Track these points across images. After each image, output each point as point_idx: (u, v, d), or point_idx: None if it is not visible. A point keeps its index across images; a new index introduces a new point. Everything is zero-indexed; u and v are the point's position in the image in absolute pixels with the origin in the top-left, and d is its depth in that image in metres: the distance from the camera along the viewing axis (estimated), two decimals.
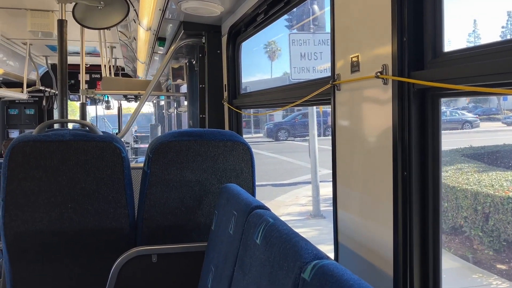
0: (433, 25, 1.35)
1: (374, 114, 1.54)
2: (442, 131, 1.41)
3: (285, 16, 2.82)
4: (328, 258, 1.18)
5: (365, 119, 1.60)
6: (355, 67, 1.61)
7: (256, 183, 2.54)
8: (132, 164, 2.61)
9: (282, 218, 1.55)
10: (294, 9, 2.37)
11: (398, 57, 1.37)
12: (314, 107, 9.48)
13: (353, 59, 1.62)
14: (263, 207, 1.75)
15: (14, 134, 9.04)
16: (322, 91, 1.92)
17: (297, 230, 1.39)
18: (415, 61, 1.37)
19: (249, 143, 2.50)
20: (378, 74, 1.44)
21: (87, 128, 2.41)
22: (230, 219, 1.92)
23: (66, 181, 2.27)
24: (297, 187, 12.76)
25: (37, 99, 9.00)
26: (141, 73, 7.42)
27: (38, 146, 2.22)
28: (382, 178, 1.48)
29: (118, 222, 2.37)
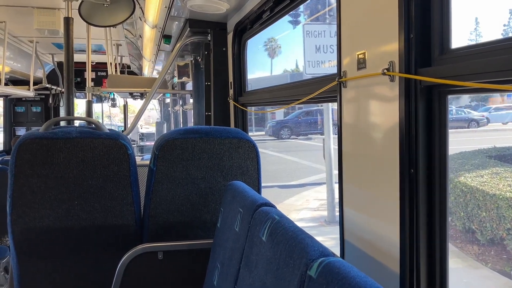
0: (441, 21, 1.34)
1: (380, 111, 1.53)
2: (450, 130, 1.40)
3: (292, 12, 2.81)
4: (334, 255, 1.18)
5: (372, 116, 1.59)
6: (361, 64, 1.60)
7: (262, 184, 2.54)
8: (139, 162, 2.61)
9: None
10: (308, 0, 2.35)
11: (405, 54, 1.36)
12: (330, 104, 8.95)
13: (359, 56, 1.62)
14: (269, 204, 1.75)
15: (21, 131, 9.08)
16: (328, 88, 1.91)
17: None
18: (422, 57, 1.36)
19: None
20: (385, 71, 1.43)
21: (94, 125, 2.42)
22: (236, 216, 1.92)
23: (73, 178, 2.28)
24: (306, 188, 12.33)
25: (43, 96, 9.03)
26: (146, 70, 7.44)
27: (45, 143, 2.23)
28: (388, 176, 1.48)
29: (125, 219, 2.37)
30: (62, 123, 3.42)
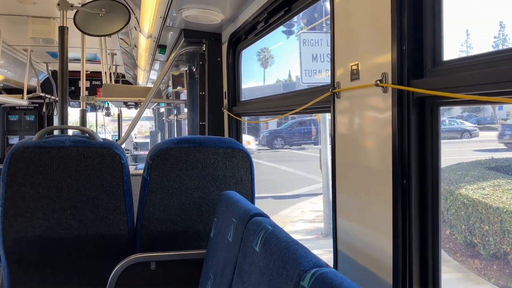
0: (433, 33, 1.36)
1: (373, 122, 1.54)
2: (443, 140, 1.40)
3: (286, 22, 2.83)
4: (327, 266, 1.18)
5: (365, 127, 1.60)
6: (355, 75, 1.62)
7: (256, 195, 2.54)
8: (132, 171, 2.61)
9: None
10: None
11: (398, 66, 1.38)
12: (327, 114, 8.91)
13: (352, 67, 1.63)
14: (262, 215, 1.75)
15: (14, 140, 9.04)
16: (321, 99, 1.92)
17: None
18: (414, 69, 1.38)
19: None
20: (378, 82, 1.44)
21: (87, 134, 2.42)
22: (229, 226, 1.91)
23: (66, 187, 2.27)
24: (301, 199, 12.18)
25: (37, 105, 9.01)
26: (141, 80, 7.44)
27: (38, 152, 2.22)
28: (381, 186, 1.48)
29: (117, 228, 2.36)
30: (56, 132, 3.41)
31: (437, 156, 1.39)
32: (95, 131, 2.80)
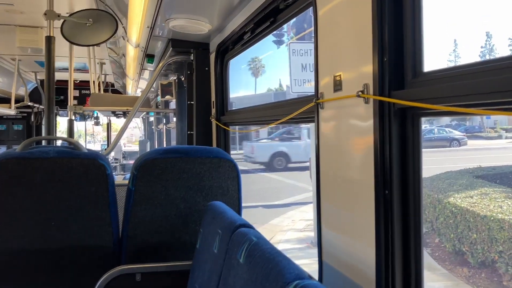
0: (413, 45, 1.37)
1: (356, 132, 1.55)
2: (433, 149, 1.41)
3: (276, 32, 2.84)
4: (310, 278, 1.18)
5: (348, 138, 1.61)
6: (337, 86, 1.63)
7: (246, 204, 2.53)
8: (119, 181, 2.59)
9: (280, 247, 1.53)
10: (294, 19, 2.39)
11: (379, 77, 1.39)
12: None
13: (336, 78, 1.64)
14: (247, 226, 1.74)
15: (2, 149, 8.95)
16: (306, 109, 1.93)
17: (298, 262, 1.38)
18: (395, 80, 1.39)
19: (235, 160, 2.49)
20: (360, 93, 1.45)
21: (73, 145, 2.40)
22: (215, 237, 1.90)
23: (50, 199, 2.24)
24: (291, 208, 12.11)
25: (25, 114, 8.94)
26: (130, 89, 7.42)
27: (22, 163, 2.20)
28: (364, 197, 1.49)
29: (102, 240, 2.34)
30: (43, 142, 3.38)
31: (419, 166, 1.39)
32: (84, 140, 2.78)
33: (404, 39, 1.39)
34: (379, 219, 1.41)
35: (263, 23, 2.59)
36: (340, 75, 1.61)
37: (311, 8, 1.86)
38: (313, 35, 1.86)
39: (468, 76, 1.17)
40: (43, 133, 3.36)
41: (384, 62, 1.38)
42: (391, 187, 1.39)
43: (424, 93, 1.29)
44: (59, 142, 3.59)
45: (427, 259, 7.22)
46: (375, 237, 1.43)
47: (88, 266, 2.35)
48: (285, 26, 2.61)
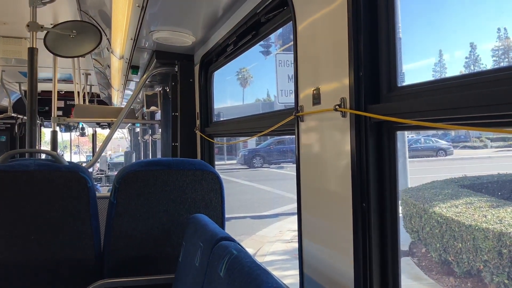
0: (388, 60, 1.40)
1: (334, 145, 1.57)
2: (419, 159, 1.43)
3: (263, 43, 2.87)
4: None
5: (326, 151, 1.63)
6: (316, 99, 1.64)
7: (234, 215, 2.53)
8: (101, 194, 2.57)
9: (267, 258, 1.53)
10: (280, 30, 2.42)
11: (355, 91, 1.41)
12: None
13: (314, 91, 1.66)
14: (228, 239, 1.74)
15: None
16: (287, 121, 1.95)
17: (285, 273, 1.38)
18: (371, 94, 1.41)
19: (222, 171, 2.49)
20: (337, 107, 1.47)
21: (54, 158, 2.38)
22: (197, 250, 1.90)
23: (30, 212, 2.22)
24: (279, 219, 12.04)
25: (9, 126, 8.85)
26: (116, 100, 7.40)
27: (2, 177, 2.18)
28: (342, 208, 1.50)
29: (84, 253, 2.31)
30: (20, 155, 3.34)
31: (395, 179, 1.41)
32: (69, 151, 2.75)
33: (380, 54, 1.42)
34: (357, 231, 1.43)
35: (246, 36, 2.61)
36: (318, 89, 1.63)
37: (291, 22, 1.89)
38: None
39: (442, 91, 1.20)
40: (26, 145, 3.32)
41: (360, 77, 1.40)
42: (369, 199, 1.41)
43: (398, 107, 1.31)
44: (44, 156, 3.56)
45: (414, 269, 7.25)
46: (353, 249, 1.44)
47: (70, 280, 2.32)
48: (272, 36, 2.63)
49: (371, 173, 1.41)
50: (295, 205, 1.87)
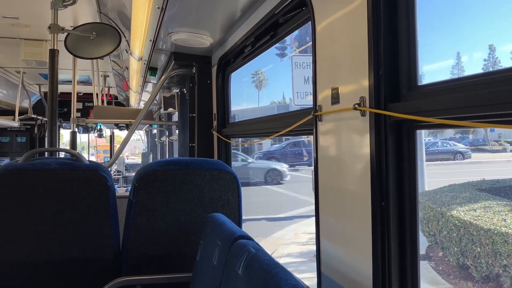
0: (408, 59, 1.40)
1: (353, 145, 1.57)
2: (437, 162, 1.42)
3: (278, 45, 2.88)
4: None
5: (345, 150, 1.63)
6: (335, 98, 1.65)
7: (250, 217, 2.54)
8: (120, 193, 2.60)
9: (282, 260, 1.54)
10: (297, 31, 2.43)
11: (375, 90, 1.41)
12: None
13: (333, 91, 1.66)
14: (246, 237, 1.75)
15: (5, 162, 8.99)
16: (305, 121, 1.95)
17: (301, 276, 1.39)
18: (391, 93, 1.41)
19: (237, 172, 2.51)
20: (356, 106, 1.47)
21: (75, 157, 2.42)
22: (214, 249, 1.91)
23: (50, 210, 2.26)
24: (294, 221, 11.94)
25: (29, 127, 9.00)
26: (133, 101, 7.48)
27: (23, 175, 2.22)
28: (361, 208, 1.50)
29: (102, 252, 2.34)
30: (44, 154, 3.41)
31: (415, 178, 1.40)
32: (87, 152, 2.79)
33: (400, 53, 1.41)
34: (376, 230, 1.42)
35: (264, 37, 2.62)
36: (337, 88, 1.63)
37: (310, 22, 1.89)
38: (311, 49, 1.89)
39: (463, 89, 1.19)
40: (46, 145, 3.38)
41: (380, 76, 1.40)
42: (388, 199, 1.40)
43: (419, 106, 1.30)
44: (62, 154, 3.62)
45: (431, 273, 7.16)
46: (372, 248, 1.44)
47: (89, 278, 2.35)
48: (287, 39, 2.64)
49: (391, 172, 1.40)
50: (310, 207, 1.87)
